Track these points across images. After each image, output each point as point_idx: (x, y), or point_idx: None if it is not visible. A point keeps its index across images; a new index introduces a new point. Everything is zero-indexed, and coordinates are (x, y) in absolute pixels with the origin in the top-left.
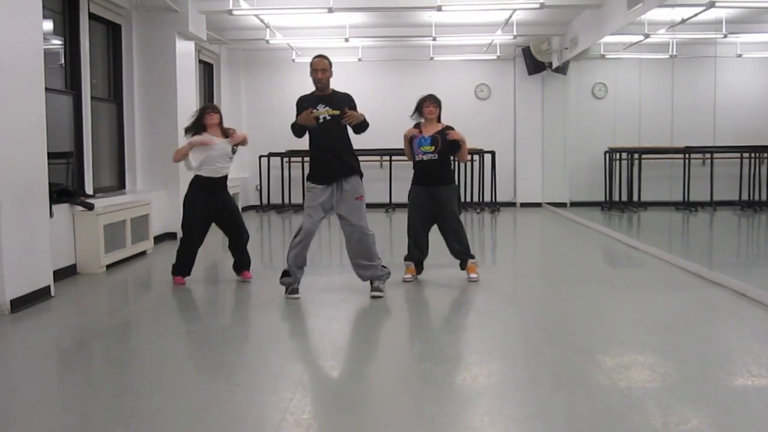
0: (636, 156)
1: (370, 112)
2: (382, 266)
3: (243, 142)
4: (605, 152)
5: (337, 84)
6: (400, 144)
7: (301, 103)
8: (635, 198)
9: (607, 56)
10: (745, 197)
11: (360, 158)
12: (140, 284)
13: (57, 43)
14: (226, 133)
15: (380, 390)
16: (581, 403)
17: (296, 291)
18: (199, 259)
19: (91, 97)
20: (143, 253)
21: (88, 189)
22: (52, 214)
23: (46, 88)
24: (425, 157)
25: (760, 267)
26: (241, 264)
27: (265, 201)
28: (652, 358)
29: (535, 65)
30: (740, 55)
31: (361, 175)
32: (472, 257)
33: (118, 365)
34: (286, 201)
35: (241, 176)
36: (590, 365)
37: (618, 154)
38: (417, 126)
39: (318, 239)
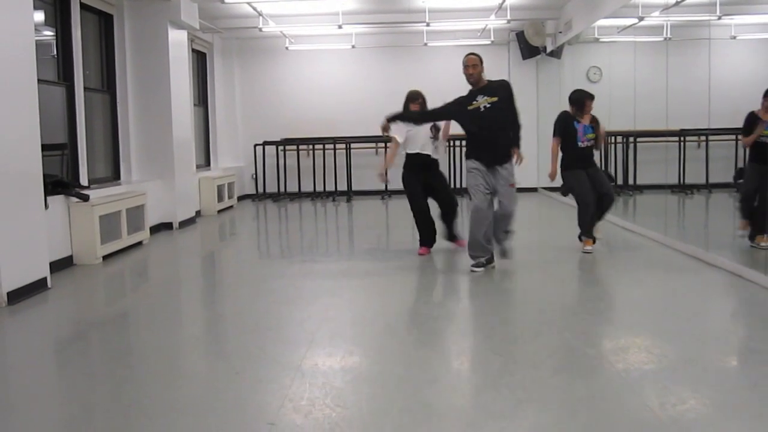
0: (631, 139)
1: (364, 99)
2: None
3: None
4: None
5: (330, 72)
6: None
7: (458, 99)
8: (631, 181)
9: (601, 40)
10: (740, 179)
11: (354, 146)
12: (137, 275)
13: (49, 34)
14: None
15: (378, 376)
16: (579, 385)
17: (481, 264)
18: (195, 250)
19: (85, 88)
20: (139, 244)
21: (83, 180)
22: (48, 206)
23: (39, 80)
24: (588, 144)
25: (755, 248)
26: (454, 234)
27: (260, 190)
28: (648, 339)
29: (529, 50)
30: (734, 37)
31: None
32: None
33: (117, 356)
34: (282, 189)
35: (236, 165)
36: (588, 348)
37: (613, 138)
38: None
39: (314, 227)
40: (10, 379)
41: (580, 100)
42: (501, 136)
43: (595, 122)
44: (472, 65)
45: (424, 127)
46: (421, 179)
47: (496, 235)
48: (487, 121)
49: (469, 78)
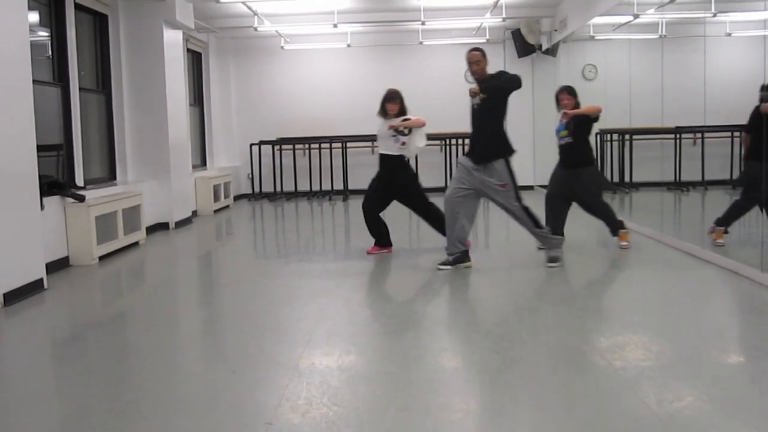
0: (627, 137)
1: (360, 98)
2: (549, 235)
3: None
4: (596, 134)
5: (325, 71)
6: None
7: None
8: (627, 179)
9: (596, 37)
10: (736, 176)
11: (350, 145)
12: (133, 275)
13: (43, 34)
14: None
15: (375, 375)
16: (577, 383)
17: (446, 263)
18: (192, 250)
19: (80, 89)
20: (136, 244)
21: (79, 181)
22: (43, 207)
23: (34, 81)
24: (562, 142)
25: (751, 245)
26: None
27: (257, 189)
28: (646, 337)
29: (524, 48)
30: (730, 34)
31: (507, 158)
32: (623, 228)
33: (114, 356)
34: (278, 189)
35: (232, 165)
36: (585, 345)
37: (609, 136)
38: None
39: (310, 227)
40: (8, 381)
41: (555, 96)
42: (483, 136)
43: (573, 118)
44: (475, 62)
45: (384, 125)
46: (385, 180)
47: (535, 236)
48: (474, 119)
49: (473, 75)
